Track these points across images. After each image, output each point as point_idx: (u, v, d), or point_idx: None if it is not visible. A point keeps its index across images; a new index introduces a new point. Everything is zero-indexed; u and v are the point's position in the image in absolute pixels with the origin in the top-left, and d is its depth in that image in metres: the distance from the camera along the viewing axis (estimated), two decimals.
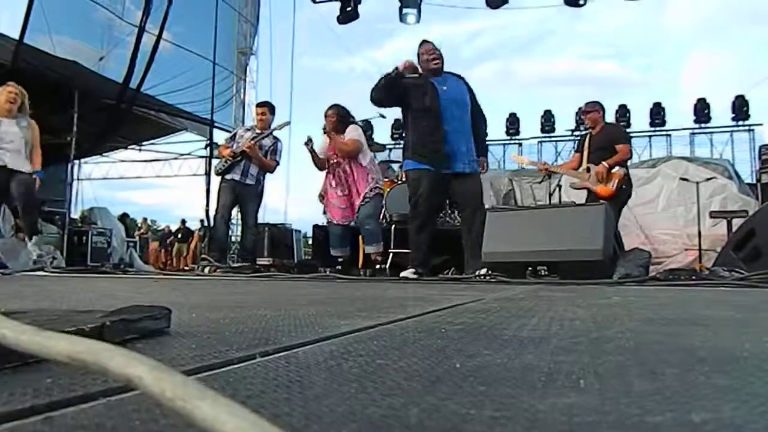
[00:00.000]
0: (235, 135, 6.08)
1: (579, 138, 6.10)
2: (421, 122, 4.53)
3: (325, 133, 5.41)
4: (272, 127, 5.99)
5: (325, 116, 5.42)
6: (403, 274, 4.49)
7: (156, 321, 0.85)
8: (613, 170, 5.26)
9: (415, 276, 4.30)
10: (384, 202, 6.65)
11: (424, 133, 4.49)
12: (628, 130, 13.95)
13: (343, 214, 5.37)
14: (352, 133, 5.33)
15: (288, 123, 6.04)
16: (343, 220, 5.38)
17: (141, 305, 0.90)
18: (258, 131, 5.92)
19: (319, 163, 5.51)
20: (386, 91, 4.51)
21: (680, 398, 0.49)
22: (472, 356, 0.70)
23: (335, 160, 5.38)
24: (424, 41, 4.70)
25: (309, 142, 5.40)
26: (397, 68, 4.41)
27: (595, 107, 5.59)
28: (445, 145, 4.42)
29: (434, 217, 4.82)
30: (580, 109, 5.79)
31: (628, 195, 5.40)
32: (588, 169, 5.36)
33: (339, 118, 5.37)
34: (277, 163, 6.03)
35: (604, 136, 5.46)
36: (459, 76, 4.76)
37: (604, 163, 5.24)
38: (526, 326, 1.04)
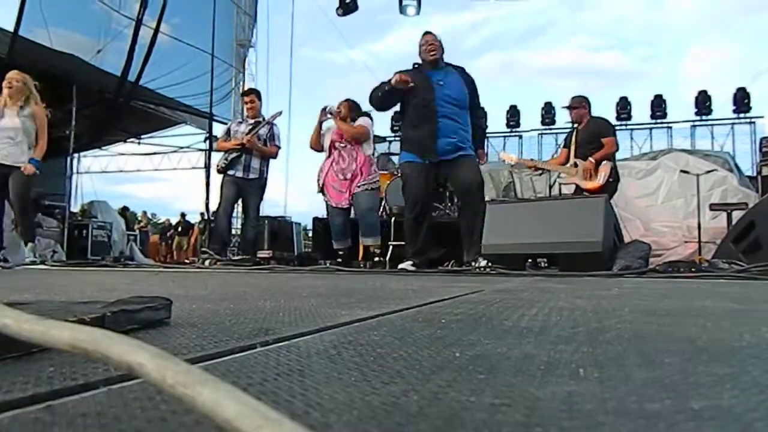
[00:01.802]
0: (229, 131, 6.05)
1: (568, 132, 6.06)
2: (413, 115, 4.58)
3: (333, 115, 5.41)
4: (265, 117, 5.99)
5: (338, 106, 5.43)
6: (401, 266, 4.49)
7: (157, 312, 0.85)
8: (600, 164, 5.25)
9: (413, 268, 4.30)
10: (384, 195, 6.65)
11: (416, 127, 4.56)
12: (628, 122, 13.98)
13: (342, 197, 5.36)
14: (362, 121, 5.38)
15: (280, 113, 6.04)
16: (342, 202, 5.37)
17: (142, 296, 0.90)
18: (250, 121, 5.91)
19: (316, 140, 5.50)
20: (382, 102, 4.70)
21: (679, 386, 0.49)
22: (471, 345, 0.70)
23: (342, 144, 5.36)
24: (426, 32, 4.71)
25: (325, 112, 5.40)
26: (390, 83, 4.49)
27: (581, 102, 5.56)
28: (435, 140, 4.43)
29: (428, 207, 4.81)
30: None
31: (615, 188, 5.39)
32: (575, 165, 5.35)
33: (351, 109, 5.40)
34: (279, 148, 6.03)
35: (589, 131, 5.44)
36: (461, 69, 4.75)
37: (590, 158, 5.23)
38: (525, 317, 1.05)
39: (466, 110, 4.61)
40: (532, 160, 5.87)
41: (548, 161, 6.07)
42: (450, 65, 4.72)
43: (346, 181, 5.31)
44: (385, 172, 7.15)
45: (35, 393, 0.44)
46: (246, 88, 6.79)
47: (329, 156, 5.45)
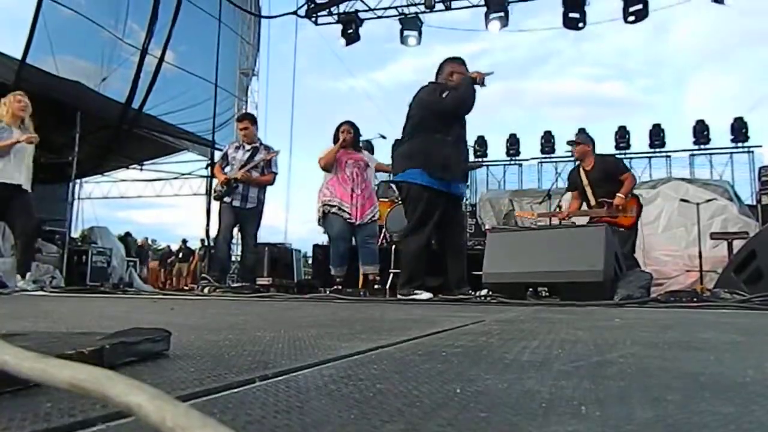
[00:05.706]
0: (226, 155, 6.04)
1: (570, 173, 6.00)
2: (438, 131, 4.23)
3: (340, 144, 5.37)
4: (262, 142, 6.02)
5: (340, 129, 5.41)
6: (416, 297, 4.26)
7: (155, 343, 0.85)
8: (627, 199, 5.32)
9: (427, 297, 4.12)
10: (385, 222, 6.68)
11: (448, 144, 4.22)
12: (627, 151, 14.10)
13: (352, 209, 5.27)
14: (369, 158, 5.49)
15: (278, 152, 6.01)
16: (351, 215, 5.27)
17: (140, 328, 0.89)
18: (247, 147, 5.90)
19: (332, 161, 5.40)
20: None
21: (682, 427, 0.48)
22: (472, 381, 0.70)
23: (353, 161, 5.35)
24: (455, 59, 4.44)
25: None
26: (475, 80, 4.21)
27: (586, 140, 5.62)
28: (459, 164, 4.35)
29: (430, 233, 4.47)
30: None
31: (639, 216, 5.47)
32: (602, 204, 5.37)
33: (355, 135, 5.44)
34: (275, 174, 5.99)
35: (601, 170, 5.48)
36: None
37: (620, 195, 5.28)
38: (527, 349, 1.04)
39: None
40: (561, 212, 5.84)
41: (570, 210, 5.84)
42: None
43: (358, 196, 5.28)
44: (386, 199, 7.15)
45: (33, 430, 0.44)
46: (239, 114, 6.76)
47: (339, 173, 5.39)
